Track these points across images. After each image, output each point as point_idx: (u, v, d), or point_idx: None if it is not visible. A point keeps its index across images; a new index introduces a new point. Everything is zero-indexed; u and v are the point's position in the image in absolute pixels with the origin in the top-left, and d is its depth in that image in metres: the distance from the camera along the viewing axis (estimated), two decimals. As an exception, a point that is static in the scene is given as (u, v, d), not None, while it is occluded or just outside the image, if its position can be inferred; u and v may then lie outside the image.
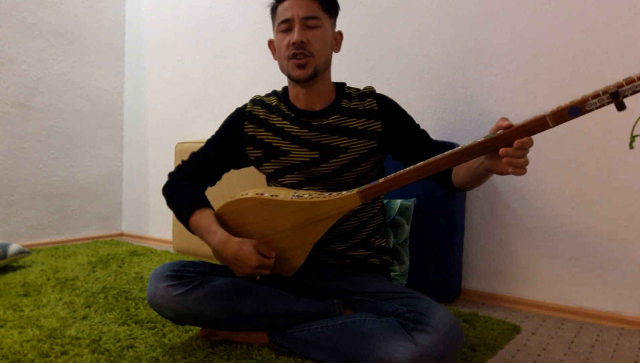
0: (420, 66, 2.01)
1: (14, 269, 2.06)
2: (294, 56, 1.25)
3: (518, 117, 1.79)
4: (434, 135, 1.93)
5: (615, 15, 1.62)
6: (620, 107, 0.88)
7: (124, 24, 3.04)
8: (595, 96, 0.89)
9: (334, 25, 1.34)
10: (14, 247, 2.08)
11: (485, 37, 1.86)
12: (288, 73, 1.29)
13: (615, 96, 0.87)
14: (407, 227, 1.74)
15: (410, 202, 1.76)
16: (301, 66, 1.25)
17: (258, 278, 1.29)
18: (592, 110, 0.90)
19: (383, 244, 1.40)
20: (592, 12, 1.66)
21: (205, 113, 2.70)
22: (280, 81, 2.39)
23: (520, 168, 0.95)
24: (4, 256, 2.03)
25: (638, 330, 1.58)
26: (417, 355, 1.02)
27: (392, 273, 1.67)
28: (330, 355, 1.14)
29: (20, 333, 1.34)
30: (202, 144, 1.42)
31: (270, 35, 2.53)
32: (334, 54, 1.36)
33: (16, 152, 2.57)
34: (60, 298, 1.66)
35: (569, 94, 1.70)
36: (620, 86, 0.87)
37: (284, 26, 1.27)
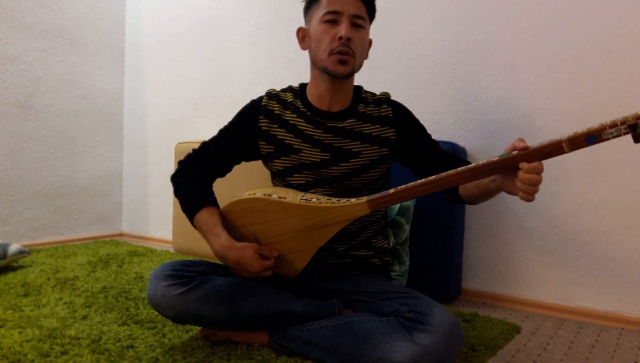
0: (420, 66, 2.01)
1: (14, 269, 2.06)
2: (338, 51, 1.22)
3: (517, 118, 1.79)
4: (434, 135, 1.93)
5: (615, 15, 1.62)
6: (637, 139, 0.87)
7: (124, 24, 3.04)
8: (613, 125, 0.88)
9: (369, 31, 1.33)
10: (14, 247, 2.07)
11: (485, 37, 1.86)
12: (325, 67, 1.25)
13: (633, 128, 0.87)
14: (407, 227, 1.74)
15: (410, 202, 1.76)
16: (343, 62, 1.23)
17: (260, 280, 1.29)
18: (608, 139, 0.90)
19: (385, 245, 1.40)
20: (592, 12, 1.66)
21: (205, 113, 2.70)
22: (280, 81, 2.39)
23: (530, 195, 0.97)
24: (4, 256, 2.03)
25: (638, 330, 1.58)
26: (418, 354, 1.02)
27: (392, 273, 1.66)
28: (330, 355, 1.14)
29: (20, 333, 1.34)
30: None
31: (270, 35, 2.55)
32: None
33: (16, 152, 2.57)
34: (60, 298, 1.66)
35: (569, 94, 1.70)
36: (638, 118, 0.86)
37: (330, 17, 1.23)
